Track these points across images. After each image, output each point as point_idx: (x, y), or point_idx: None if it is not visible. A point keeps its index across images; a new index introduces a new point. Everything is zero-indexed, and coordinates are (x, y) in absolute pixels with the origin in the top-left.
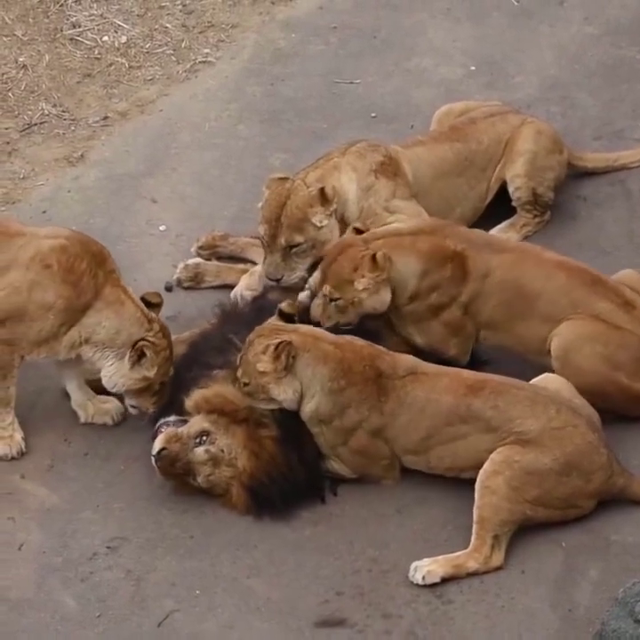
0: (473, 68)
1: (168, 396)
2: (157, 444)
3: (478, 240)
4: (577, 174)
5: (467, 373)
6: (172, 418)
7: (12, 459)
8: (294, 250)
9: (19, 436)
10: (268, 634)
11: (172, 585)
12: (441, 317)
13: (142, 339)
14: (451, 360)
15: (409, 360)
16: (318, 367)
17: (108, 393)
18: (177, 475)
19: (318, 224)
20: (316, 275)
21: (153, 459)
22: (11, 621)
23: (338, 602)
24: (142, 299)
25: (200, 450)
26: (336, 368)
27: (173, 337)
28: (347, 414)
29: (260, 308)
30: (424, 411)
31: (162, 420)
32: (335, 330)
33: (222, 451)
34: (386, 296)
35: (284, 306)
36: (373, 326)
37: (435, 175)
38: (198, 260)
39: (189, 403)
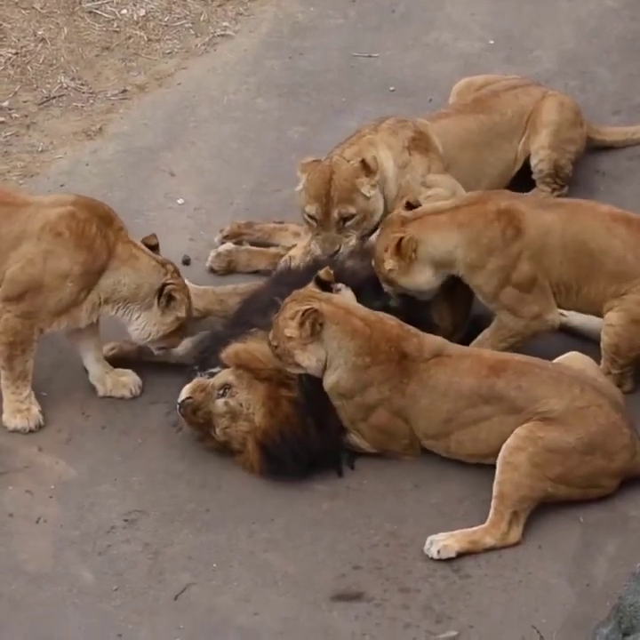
0: (491, 42)
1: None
2: (183, 393)
3: (527, 199)
4: (595, 149)
5: (489, 354)
6: (216, 369)
7: (30, 432)
8: (348, 223)
9: (36, 409)
10: (284, 607)
11: (189, 558)
12: (511, 279)
13: (166, 283)
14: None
15: (436, 342)
16: (345, 341)
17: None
18: (200, 425)
19: (367, 194)
20: None
21: (177, 406)
22: (29, 594)
23: (355, 576)
24: (143, 244)
25: (220, 402)
26: (362, 345)
27: (230, 287)
28: (368, 392)
29: (313, 271)
30: (446, 394)
31: (207, 371)
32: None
33: (241, 405)
34: (419, 277)
35: (321, 273)
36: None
37: (461, 147)
38: (229, 246)
39: (223, 355)
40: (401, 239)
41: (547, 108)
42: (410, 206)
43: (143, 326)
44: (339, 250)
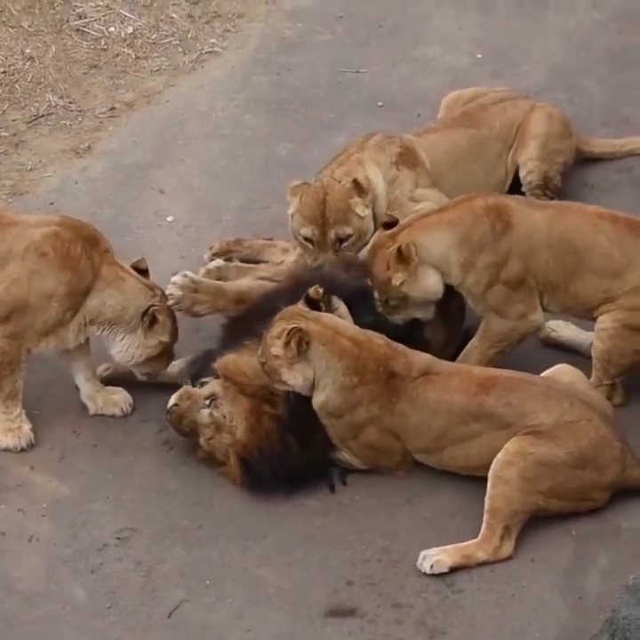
0: (479, 56)
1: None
2: (171, 399)
3: (515, 197)
4: (584, 161)
5: (478, 371)
6: (209, 379)
7: (22, 450)
8: (344, 244)
9: (27, 427)
10: (277, 623)
11: (182, 575)
12: (501, 277)
13: (151, 305)
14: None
15: (424, 360)
16: (333, 361)
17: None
18: (186, 433)
19: (361, 214)
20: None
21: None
22: (22, 613)
23: (348, 591)
24: (133, 268)
25: (205, 412)
26: (350, 365)
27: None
28: (357, 411)
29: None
30: (436, 412)
31: (199, 380)
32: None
33: (224, 417)
34: (427, 281)
35: (311, 291)
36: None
37: (450, 162)
38: (219, 262)
39: (215, 364)
40: (399, 248)
41: (535, 120)
42: (388, 226)
43: (126, 348)
44: None
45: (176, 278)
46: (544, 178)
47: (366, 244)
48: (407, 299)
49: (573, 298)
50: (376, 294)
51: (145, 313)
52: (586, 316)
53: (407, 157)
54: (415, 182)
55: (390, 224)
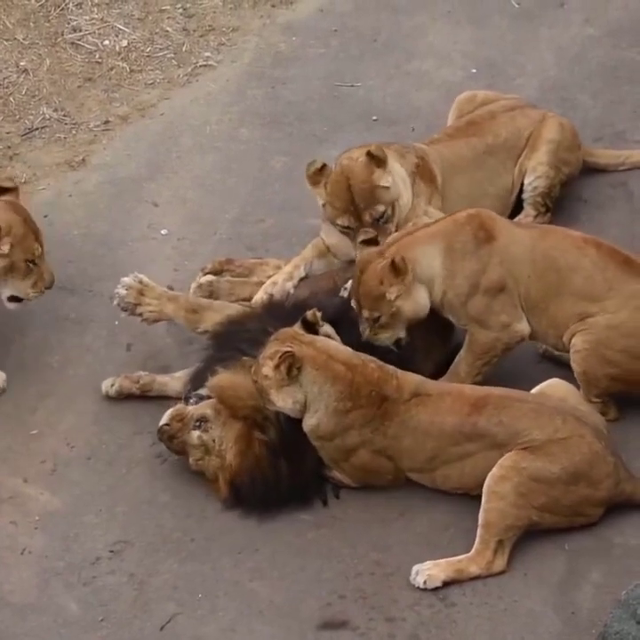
0: (474, 70)
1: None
2: (163, 419)
3: (497, 215)
4: (579, 175)
5: (469, 390)
6: (203, 392)
7: None
8: (381, 220)
9: None
10: (270, 637)
11: (175, 588)
12: (480, 286)
13: None
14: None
15: (414, 381)
16: (326, 386)
17: None
18: (177, 452)
19: (386, 184)
20: (353, 298)
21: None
22: (13, 625)
23: (340, 605)
24: None
25: (195, 434)
26: (343, 390)
27: (206, 301)
28: (349, 435)
29: (300, 307)
30: (428, 433)
31: (192, 393)
32: (391, 348)
33: (214, 440)
34: (421, 297)
35: (308, 314)
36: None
37: (454, 172)
38: (210, 277)
39: (208, 383)
40: (393, 262)
41: (548, 127)
42: (367, 243)
43: None
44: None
45: (124, 278)
46: (549, 186)
47: (405, 210)
48: (399, 314)
49: (551, 319)
50: (365, 314)
51: None
52: (556, 343)
53: (424, 171)
54: (428, 199)
55: (370, 241)
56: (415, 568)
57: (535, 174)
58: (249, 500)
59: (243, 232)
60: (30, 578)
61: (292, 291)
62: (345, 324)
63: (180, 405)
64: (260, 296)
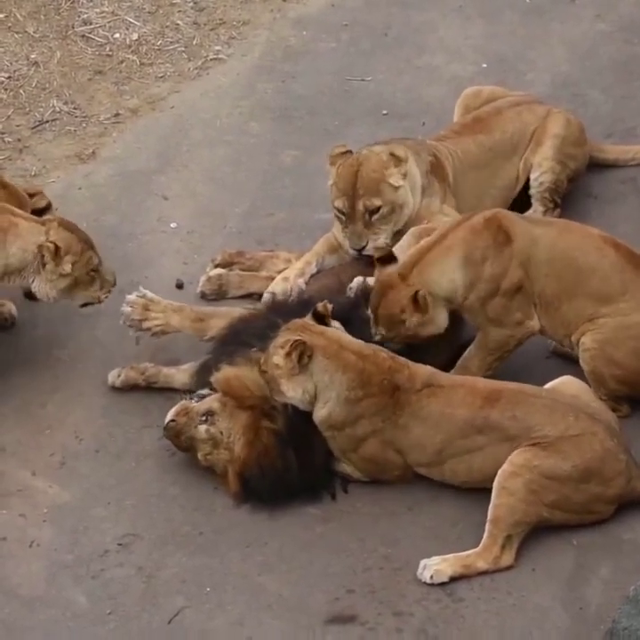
0: (484, 65)
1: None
2: (168, 415)
3: (514, 213)
4: (588, 171)
5: (482, 383)
6: (206, 391)
7: None
8: (375, 216)
9: None
10: (278, 631)
11: (183, 582)
12: (501, 288)
13: (40, 245)
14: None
15: (426, 372)
16: (337, 375)
17: None
18: (185, 448)
19: (395, 184)
20: (371, 311)
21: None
22: (22, 618)
23: (349, 599)
24: (33, 211)
25: (202, 428)
26: (355, 379)
27: (210, 309)
28: (360, 424)
29: (306, 304)
30: (438, 424)
31: (194, 394)
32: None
33: (222, 433)
34: (441, 321)
35: (319, 306)
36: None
37: (463, 169)
38: (220, 270)
39: (213, 378)
40: (415, 295)
41: (553, 122)
42: (384, 260)
43: (38, 288)
44: (366, 245)
45: (129, 296)
46: (556, 181)
47: (403, 220)
48: (415, 337)
49: (563, 317)
50: (380, 330)
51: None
52: (562, 340)
53: (437, 169)
54: (442, 198)
55: (386, 258)
56: (422, 563)
57: (541, 169)
58: (258, 491)
59: (252, 226)
60: (39, 570)
61: (303, 287)
62: (352, 323)
63: (184, 401)
64: (273, 288)
